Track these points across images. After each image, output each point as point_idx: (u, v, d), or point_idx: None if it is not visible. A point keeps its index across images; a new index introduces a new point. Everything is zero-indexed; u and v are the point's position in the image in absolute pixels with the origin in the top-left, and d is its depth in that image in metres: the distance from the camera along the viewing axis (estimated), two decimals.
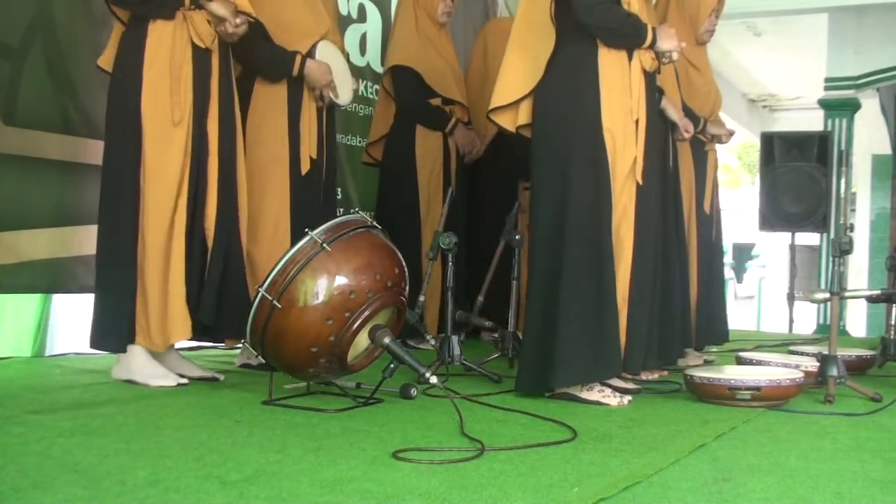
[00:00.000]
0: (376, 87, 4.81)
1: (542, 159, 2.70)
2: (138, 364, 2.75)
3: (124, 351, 2.79)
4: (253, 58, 3.15)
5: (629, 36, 2.62)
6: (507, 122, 2.82)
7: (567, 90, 2.65)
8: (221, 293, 2.85)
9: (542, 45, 2.70)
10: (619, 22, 2.59)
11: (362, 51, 4.73)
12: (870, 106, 8.10)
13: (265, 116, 3.17)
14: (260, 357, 2.48)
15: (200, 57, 2.84)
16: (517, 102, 2.78)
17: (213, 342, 3.07)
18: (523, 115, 2.79)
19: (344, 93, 3.34)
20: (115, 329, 2.78)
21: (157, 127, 2.75)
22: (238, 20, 2.89)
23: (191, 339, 2.95)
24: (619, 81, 2.61)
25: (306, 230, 2.38)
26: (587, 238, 2.59)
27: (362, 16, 4.72)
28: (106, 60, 2.90)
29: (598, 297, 2.57)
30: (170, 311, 2.74)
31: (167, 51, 2.78)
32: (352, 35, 4.60)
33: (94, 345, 2.83)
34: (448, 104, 4.08)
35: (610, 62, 2.61)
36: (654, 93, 2.76)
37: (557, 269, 2.59)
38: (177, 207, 2.77)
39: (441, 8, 4.06)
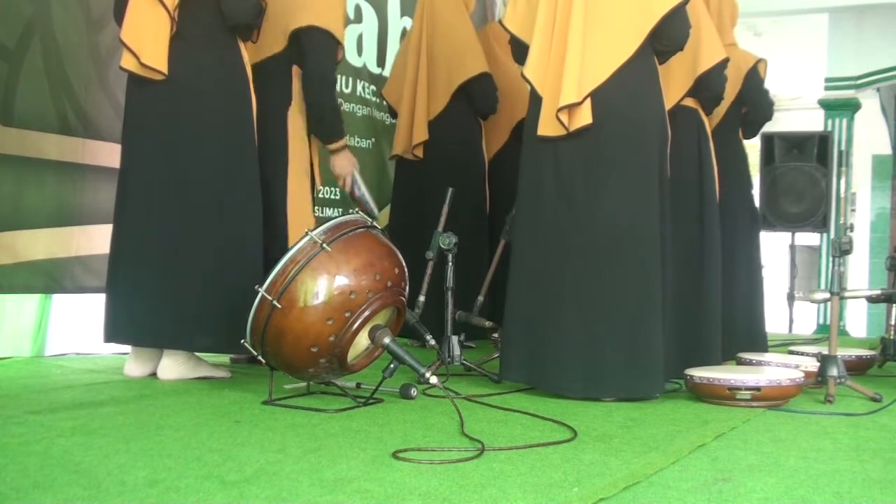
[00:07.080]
0: (373, 87, 4.81)
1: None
2: (182, 360, 2.85)
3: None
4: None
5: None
6: None
7: None
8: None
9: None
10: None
11: (359, 51, 4.73)
12: (870, 106, 8.09)
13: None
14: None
15: None
16: None
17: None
18: None
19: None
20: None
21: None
22: None
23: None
24: None
25: (306, 230, 2.38)
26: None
27: (359, 16, 4.72)
28: (158, 60, 2.74)
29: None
30: None
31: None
32: (349, 35, 4.59)
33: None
34: None
35: None
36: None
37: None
38: None
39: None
